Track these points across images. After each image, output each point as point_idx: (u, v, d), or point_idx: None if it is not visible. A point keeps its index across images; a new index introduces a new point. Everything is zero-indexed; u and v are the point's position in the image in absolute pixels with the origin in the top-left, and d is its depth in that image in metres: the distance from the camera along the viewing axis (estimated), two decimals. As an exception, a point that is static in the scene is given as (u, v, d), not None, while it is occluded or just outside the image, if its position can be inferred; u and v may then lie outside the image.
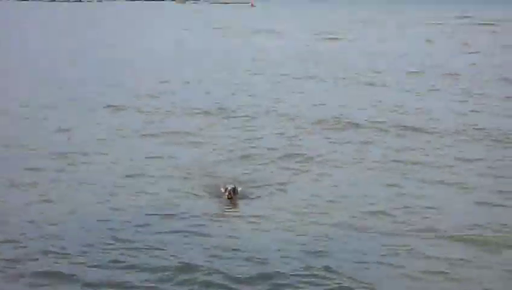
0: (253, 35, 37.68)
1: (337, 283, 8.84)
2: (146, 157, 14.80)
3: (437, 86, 23.79)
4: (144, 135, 16.95)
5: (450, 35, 38.85)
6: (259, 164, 14.25)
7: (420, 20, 46.75)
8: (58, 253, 9.67)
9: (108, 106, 20.15)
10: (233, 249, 9.83)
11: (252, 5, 75.05)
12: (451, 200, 12.13)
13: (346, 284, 8.82)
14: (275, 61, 29.94)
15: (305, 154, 14.98)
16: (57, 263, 9.38)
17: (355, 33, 38.02)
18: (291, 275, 9.03)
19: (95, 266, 9.27)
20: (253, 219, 11.12)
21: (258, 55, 31.80)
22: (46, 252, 9.68)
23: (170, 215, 11.26)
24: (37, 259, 9.49)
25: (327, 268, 9.21)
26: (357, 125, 17.76)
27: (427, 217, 11.20)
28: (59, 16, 57.91)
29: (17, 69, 28.46)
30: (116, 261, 9.42)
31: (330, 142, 16.20)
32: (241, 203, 11.87)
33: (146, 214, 11.28)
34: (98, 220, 11.01)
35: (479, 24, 44.52)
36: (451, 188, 12.78)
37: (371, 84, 24.22)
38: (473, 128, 17.37)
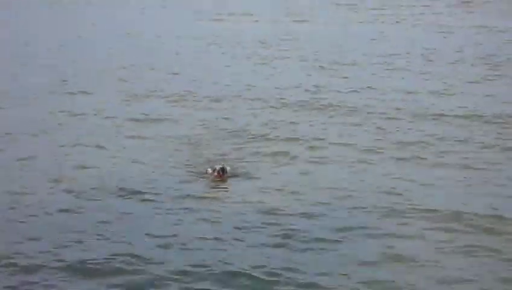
0: (227, 18, 37.55)
1: (320, 261, 9.00)
2: (126, 137, 14.87)
3: (410, 66, 23.96)
4: (117, 117, 16.96)
5: (422, 16, 39.04)
6: (238, 145, 14.36)
7: (394, 2, 46.95)
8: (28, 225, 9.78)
9: (81, 89, 20.16)
10: (218, 231, 9.96)
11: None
12: (429, 178, 12.36)
13: (329, 261, 8.99)
14: (248, 44, 29.90)
15: (285, 135, 15.14)
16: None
17: (329, 15, 38.10)
18: (273, 255, 9.16)
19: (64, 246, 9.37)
20: (241, 199, 11.25)
21: (232, 38, 31.72)
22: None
23: (151, 195, 11.33)
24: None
25: (309, 246, 9.38)
26: (333, 106, 17.94)
27: (409, 195, 11.42)
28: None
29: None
30: (89, 241, 9.51)
31: (309, 123, 16.37)
32: (230, 182, 12.01)
33: (122, 194, 11.33)
34: (70, 196, 11.11)
35: (455, 4, 44.65)
36: (430, 167, 13.03)
37: (344, 64, 24.34)
38: (449, 108, 17.63)
